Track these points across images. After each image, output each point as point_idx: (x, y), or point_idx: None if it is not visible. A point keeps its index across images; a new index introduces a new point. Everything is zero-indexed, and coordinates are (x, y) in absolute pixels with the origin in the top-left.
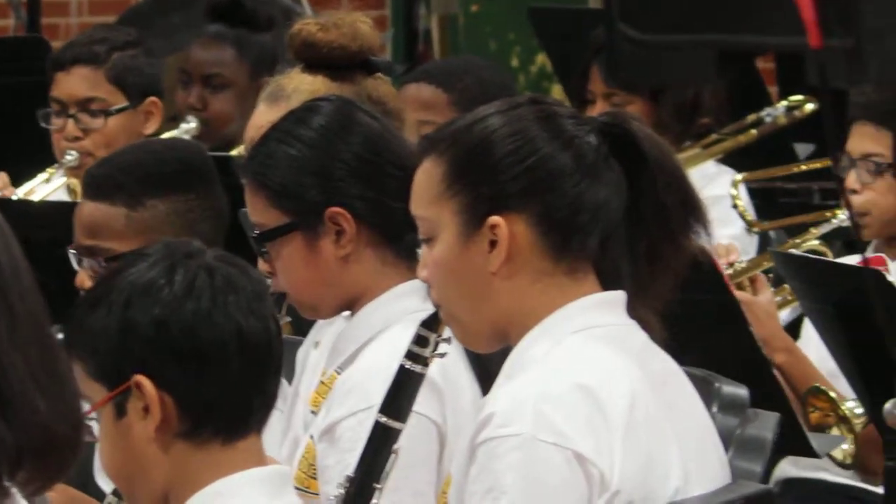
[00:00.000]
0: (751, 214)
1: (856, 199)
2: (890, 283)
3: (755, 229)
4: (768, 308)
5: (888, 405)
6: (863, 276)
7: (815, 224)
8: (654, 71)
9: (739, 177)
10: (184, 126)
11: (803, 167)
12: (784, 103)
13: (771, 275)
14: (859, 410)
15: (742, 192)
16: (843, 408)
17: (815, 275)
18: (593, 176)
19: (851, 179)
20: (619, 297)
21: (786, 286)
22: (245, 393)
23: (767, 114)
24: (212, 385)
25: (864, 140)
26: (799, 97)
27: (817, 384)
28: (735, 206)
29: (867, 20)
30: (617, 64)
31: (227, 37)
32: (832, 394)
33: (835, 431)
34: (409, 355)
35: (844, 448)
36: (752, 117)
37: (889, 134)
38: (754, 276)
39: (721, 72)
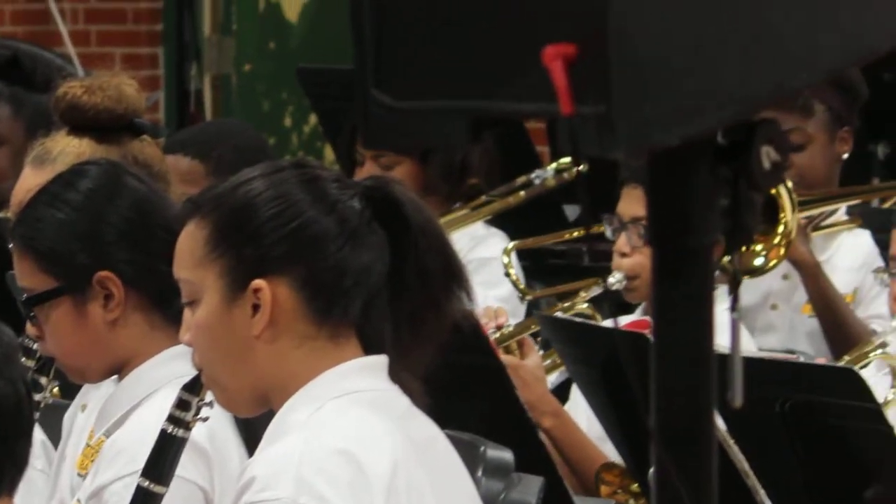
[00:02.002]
0: (523, 283)
1: (625, 262)
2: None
3: (528, 297)
4: (536, 372)
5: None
6: (623, 340)
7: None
8: (409, 136)
9: (510, 245)
10: None
11: (574, 233)
12: (553, 166)
13: (539, 338)
14: None
15: (513, 258)
16: (636, 484)
17: (580, 338)
18: (357, 240)
19: (621, 242)
20: (380, 361)
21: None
22: None
23: (537, 176)
24: None
25: (633, 203)
26: (568, 159)
27: (612, 461)
28: (507, 275)
29: (618, 88)
30: (370, 129)
31: (3, 94)
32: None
33: None
34: (171, 419)
35: None
36: (521, 179)
37: None
38: (522, 339)
39: (474, 137)
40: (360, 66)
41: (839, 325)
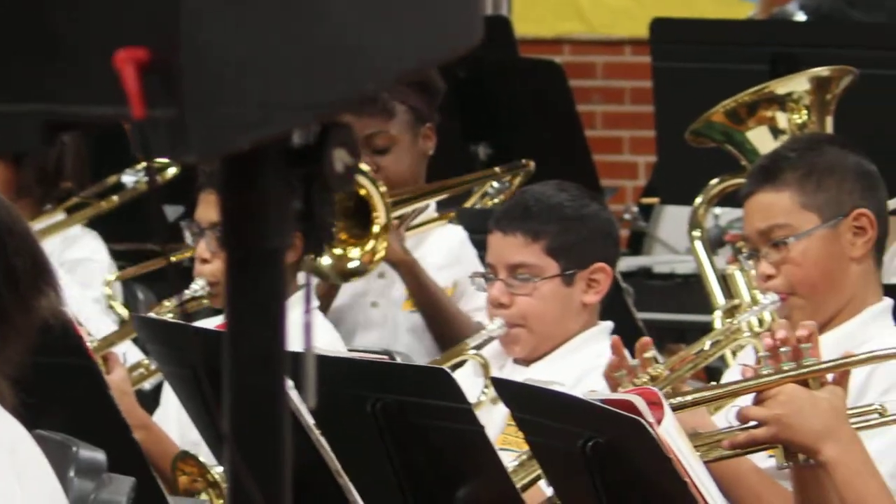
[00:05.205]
0: (123, 311)
1: (206, 269)
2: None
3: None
4: (122, 385)
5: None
6: (204, 340)
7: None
8: None
9: (112, 277)
10: None
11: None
12: (143, 166)
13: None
14: None
15: (116, 287)
16: (212, 472)
17: (173, 339)
18: None
19: (201, 248)
20: None
21: (145, 360)
22: None
23: (129, 176)
24: None
25: (211, 209)
26: (163, 160)
27: (186, 450)
28: (112, 308)
29: (190, 93)
30: None
31: None
32: (201, 458)
33: (204, 496)
34: None
35: None
36: (112, 179)
37: None
38: (106, 354)
39: (49, 141)
40: None
41: (442, 320)
